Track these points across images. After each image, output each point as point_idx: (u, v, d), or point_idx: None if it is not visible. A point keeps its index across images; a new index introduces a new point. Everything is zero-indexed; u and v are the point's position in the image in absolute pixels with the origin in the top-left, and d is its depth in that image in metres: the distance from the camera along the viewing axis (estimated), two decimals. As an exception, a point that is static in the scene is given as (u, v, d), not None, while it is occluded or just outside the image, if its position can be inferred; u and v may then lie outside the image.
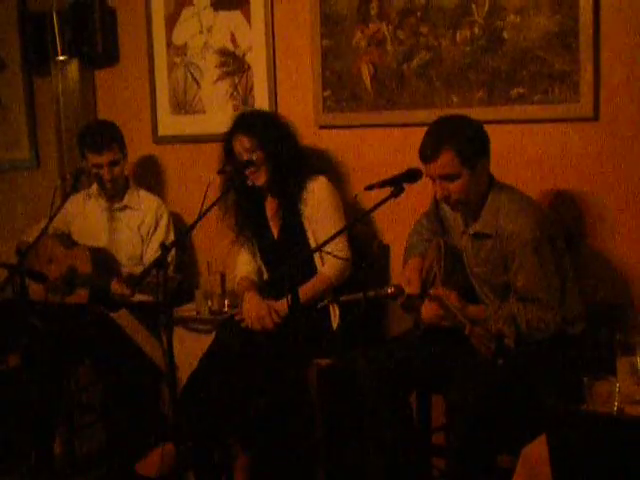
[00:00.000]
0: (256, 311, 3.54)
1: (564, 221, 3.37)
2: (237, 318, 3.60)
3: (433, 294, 3.00)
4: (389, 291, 3.05)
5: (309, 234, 3.62)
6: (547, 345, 3.00)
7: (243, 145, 3.58)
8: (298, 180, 3.63)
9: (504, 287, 3.08)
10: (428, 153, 3.00)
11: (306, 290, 3.52)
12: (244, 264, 3.85)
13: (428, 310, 3.04)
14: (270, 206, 3.74)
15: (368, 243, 3.81)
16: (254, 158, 3.57)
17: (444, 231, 3.30)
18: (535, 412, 2.76)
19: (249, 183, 3.63)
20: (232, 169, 3.42)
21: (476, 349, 2.93)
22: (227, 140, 3.67)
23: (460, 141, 2.97)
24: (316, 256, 3.62)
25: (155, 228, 4.13)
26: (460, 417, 2.86)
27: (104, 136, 4.07)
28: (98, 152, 4.02)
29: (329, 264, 3.60)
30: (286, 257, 3.52)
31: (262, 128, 3.61)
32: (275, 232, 3.73)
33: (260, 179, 3.62)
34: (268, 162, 3.59)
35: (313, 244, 3.58)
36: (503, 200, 3.05)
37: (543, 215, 3.07)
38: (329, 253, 3.48)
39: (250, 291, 3.63)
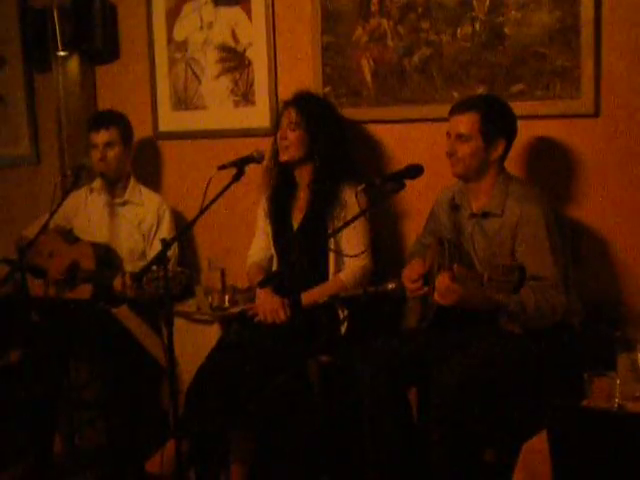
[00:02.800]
0: (269, 304, 3.53)
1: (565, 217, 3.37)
2: (250, 313, 3.60)
3: (448, 271, 2.93)
4: (389, 287, 3.04)
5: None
6: (547, 340, 3.00)
7: (289, 117, 3.61)
8: (334, 178, 3.60)
9: None
10: (457, 106, 3.18)
11: (317, 292, 3.52)
12: (258, 249, 3.85)
13: (440, 283, 2.95)
14: (300, 197, 3.71)
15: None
16: (290, 137, 3.59)
17: (455, 216, 3.29)
18: (536, 408, 2.77)
19: (281, 160, 3.65)
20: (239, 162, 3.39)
21: (496, 294, 2.89)
22: (281, 113, 3.71)
23: (490, 112, 3.12)
24: (331, 260, 3.59)
25: (157, 227, 4.14)
26: (444, 409, 2.86)
27: (105, 116, 4.16)
28: (96, 130, 4.07)
29: (349, 271, 3.57)
30: (299, 250, 3.51)
31: (314, 109, 3.63)
32: (295, 223, 3.70)
33: (286, 155, 3.62)
34: (304, 144, 3.59)
35: (332, 246, 3.55)
36: (513, 185, 3.15)
37: (550, 205, 3.13)
38: (334, 251, 3.47)
39: (262, 287, 3.61)
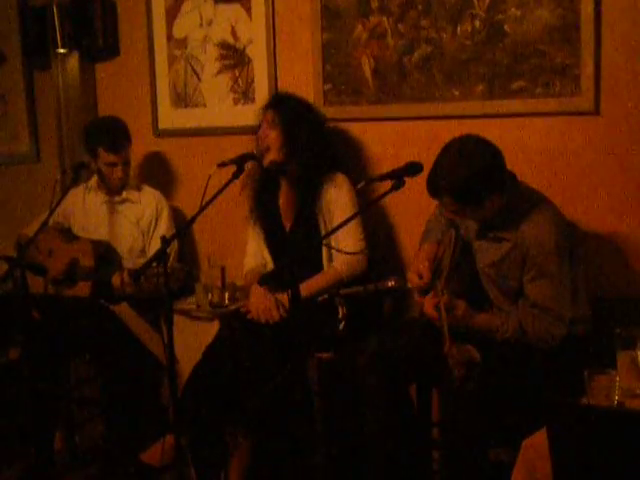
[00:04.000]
0: (262, 303, 3.53)
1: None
2: (243, 310, 3.60)
3: (437, 303, 2.96)
4: (389, 284, 3.04)
5: (322, 229, 3.59)
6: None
7: (267, 118, 3.63)
8: (317, 174, 3.62)
9: (514, 290, 3.07)
10: (430, 192, 2.99)
11: (313, 283, 3.54)
12: (252, 256, 3.86)
13: (427, 309, 3.02)
14: (285, 197, 3.73)
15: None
16: (272, 135, 3.59)
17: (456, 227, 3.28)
18: (535, 405, 2.76)
19: (265, 164, 3.65)
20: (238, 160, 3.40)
21: (448, 368, 2.91)
22: (260, 114, 3.72)
23: (457, 188, 2.90)
24: (323, 254, 3.61)
25: (156, 223, 4.14)
26: (454, 408, 2.86)
27: (121, 136, 4.10)
28: (115, 152, 4.04)
29: (341, 259, 3.58)
30: (294, 250, 3.52)
31: (291, 109, 3.65)
32: (287, 224, 3.72)
33: (269, 157, 3.62)
34: (285, 143, 3.59)
35: (327, 241, 3.57)
36: (525, 206, 3.02)
37: (564, 224, 3.05)
38: (334, 249, 3.48)
39: (256, 284, 3.62)
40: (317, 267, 3.62)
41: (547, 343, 2.98)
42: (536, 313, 2.98)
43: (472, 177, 2.89)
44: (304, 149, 3.60)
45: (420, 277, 3.09)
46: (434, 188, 2.96)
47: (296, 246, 3.60)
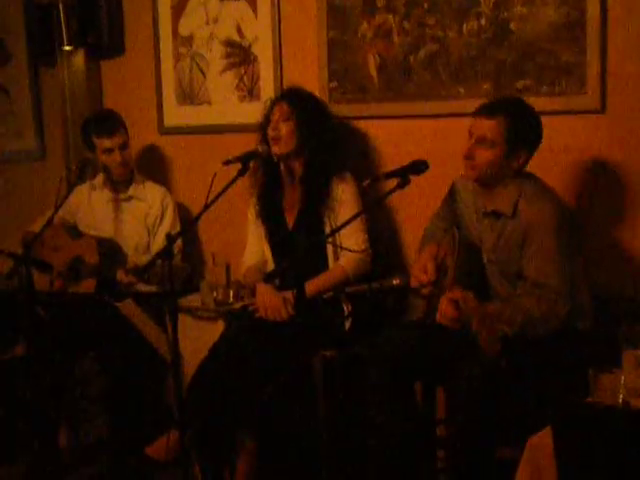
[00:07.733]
0: (271, 302, 3.53)
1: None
2: (251, 309, 3.60)
3: (450, 297, 2.93)
4: (394, 282, 3.04)
5: (327, 229, 3.58)
6: (553, 338, 3.00)
7: (281, 110, 3.62)
8: (326, 172, 3.62)
9: (518, 276, 3.06)
10: (486, 108, 3.04)
11: (320, 282, 3.54)
12: (252, 253, 3.85)
13: (444, 313, 2.97)
14: (291, 194, 3.72)
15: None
16: (283, 129, 3.59)
17: (458, 219, 3.27)
18: (541, 404, 2.77)
19: (275, 154, 3.65)
20: (243, 157, 3.40)
21: (481, 348, 2.90)
22: (270, 109, 3.71)
23: (518, 119, 3.00)
24: (329, 252, 3.61)
25: (161, 219, 4.15)
26: (459, 407, 2.86)
27: (112, 120, 4.12)
28: (109, 135, 4.05)
29: (346, 257, 3.58)
30: (296, 248, 3.52)
31: (304, 103, 3.65)
32: (290, 222, 3.71)
33: (280, 148, 3.62)
34: (296, 136, 3.60)
35: (330, 240, 3.57)
36: (526, 185, 3.05)
37: (564, 205, 3.08)
38: (341, 247, 3.48)
39: (262, 282, 3.62)
40: (320, 266, 3.61)
41: (552, 323, 2.93)
42: (538, 293, 2.95)
43: (534, 123, 3.05)
44: (315, 143, 3.60)
45: (425, 272, 3.09)
46: (499, 106, 3.03)
47: (298, 245, 3.59)
